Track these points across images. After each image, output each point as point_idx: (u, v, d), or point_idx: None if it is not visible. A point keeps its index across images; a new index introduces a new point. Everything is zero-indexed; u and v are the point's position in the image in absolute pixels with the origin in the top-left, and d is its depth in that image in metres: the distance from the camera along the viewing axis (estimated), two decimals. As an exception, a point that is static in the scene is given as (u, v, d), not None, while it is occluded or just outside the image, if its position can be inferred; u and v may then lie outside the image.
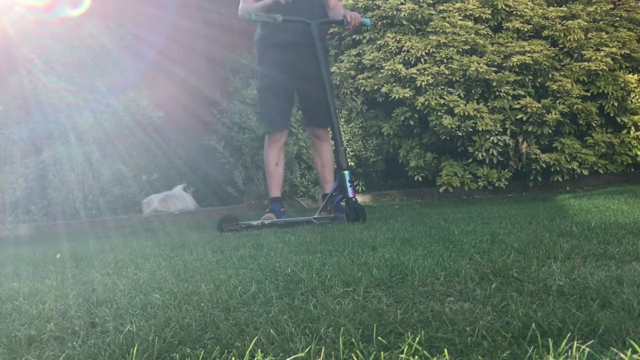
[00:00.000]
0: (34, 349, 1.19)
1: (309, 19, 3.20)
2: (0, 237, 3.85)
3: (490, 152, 4.39)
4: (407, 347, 1.00)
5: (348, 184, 3.02)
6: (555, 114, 4.41)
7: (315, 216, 3.11)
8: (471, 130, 4.35)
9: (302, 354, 1.02)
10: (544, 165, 4.39)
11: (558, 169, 4.40)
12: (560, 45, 4.83)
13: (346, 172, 3.04)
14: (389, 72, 4.58)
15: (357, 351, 1.01)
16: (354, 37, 5.13)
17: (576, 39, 4.77)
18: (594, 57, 4.67)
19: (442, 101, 4.40)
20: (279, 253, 2.06)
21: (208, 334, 1.18)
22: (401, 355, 0.98)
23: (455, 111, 4.35)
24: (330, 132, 3.36)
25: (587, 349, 0.93)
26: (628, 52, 4.82)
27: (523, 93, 4.53)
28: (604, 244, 1.78)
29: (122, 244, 2.86)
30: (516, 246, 1.81)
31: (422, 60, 4.61)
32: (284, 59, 3.30)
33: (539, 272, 1.46)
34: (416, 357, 0.97)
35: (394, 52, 4.75)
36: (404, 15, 4.81)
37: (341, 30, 5.27)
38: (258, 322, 1.21)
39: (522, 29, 4.84)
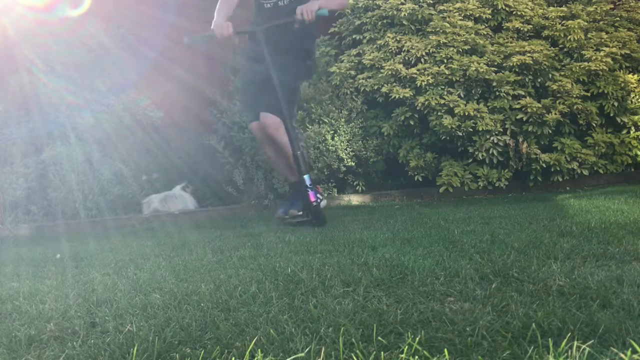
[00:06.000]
0: (34, 349, 1.19)
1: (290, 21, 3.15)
2: (0, 237, 3.84)
3: (491, 152, 4.39)
4: (407, 347, 1.00)
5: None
6: (555, 114, 4.41)
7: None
8: (471, 130, 4.34)
9: (302, 354, 1.02)
10: (544, 165, 4.39)
11: (558, 169, 4.40)
12: (560, 45, 4.83)
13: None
14: (389, 72, 4.58)
15: (357, 351, 1.01)
16: (354, 37, 5.13)
17: (576, 39, 4.77)
18: (594, 57, 4.67)
19: (442, 101, 4.40)
20: (279, 253, 2.06)
21: (208, 334, 1.18)
22: (401, 355, 0.98)
23: (456, 111, 4.35)
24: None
25: (587, 349, 0.93)
26: (628, 52, 4.82)
27: (523, 93, 4.52)
28: (604, 244, 1.78)
29: (122, 244, 2.85)
30: (516, 246, 1.81)
31: (422, 60, 4.61)
32: (258, 70, 3.25)
33: (539, 272, 1.46)
34: (416, 357, 0.97)
35: (394, 52, 4.75)
36: (404, 15, 4.81)
37: (342, 29, 5.27)
38: (258, 322, 1.21)
39: (522, 29, 4.84)
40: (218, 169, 5.00)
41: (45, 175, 4.45)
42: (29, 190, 4.39)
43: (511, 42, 4.74)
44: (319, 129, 4.67)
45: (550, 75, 4.60)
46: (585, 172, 4.47)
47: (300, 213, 3.19)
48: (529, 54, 4.53)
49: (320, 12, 3.18)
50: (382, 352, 1.00)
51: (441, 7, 4.93)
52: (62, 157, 4.47)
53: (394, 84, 4.58)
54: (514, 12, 4.93)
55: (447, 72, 4.48)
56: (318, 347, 1.04)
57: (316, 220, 3.00)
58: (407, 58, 4.67)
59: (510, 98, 4.49)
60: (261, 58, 3.20)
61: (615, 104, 4.63)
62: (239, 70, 3.50)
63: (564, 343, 0.96)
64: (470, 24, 4.78)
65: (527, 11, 4.93)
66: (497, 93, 4.50)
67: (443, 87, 4.49)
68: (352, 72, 4.89)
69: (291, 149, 3.09)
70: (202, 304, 1.38)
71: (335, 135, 4.73)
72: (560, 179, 4.46)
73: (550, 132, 4.47)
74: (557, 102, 4.52)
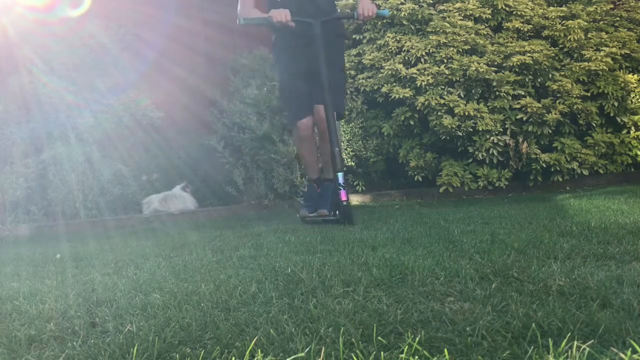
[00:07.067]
0: (34, 349, 1.19)
1: (315, 13, 3.06)
2: (0, 237, 3.84)
3: (491, 152, 4.39)
4: (407, 347, 1.00)
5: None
6: (555, 114, 4.42)
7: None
8: (471, 130, 4.34)
9: (302, 354, 1.02)
10: (544, 165, 4.39)
11: (558, 169, 4.40)
12: (560, 45, 4.83)
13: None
14: (389, 72, 4.58)
15: (357, 351, 1.01)
16: (354, 37, 5.13)
17: (576, 39, 4.77)
18: (594, 57, 4.67)
19: (442, 101, 4.40)
20: (279, 253, 2.06)
21: (208, 334, 1.18)
22: (401, 355, 0.98)
23: (456, 111, 4.35)
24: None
25: (587, 349, 0.93)
26: (628, 52, 4.82)
27: (523, 93, 4.53)
28: (604, 244, 1.78)
29: (122, 244, 2.86)
30: (516, 246, 1.81)
31: (422, 60, 4.61)
32: (301, 54, 3.14)
33: (539, 272, 1.46)
34: (416, 357, 0.97)
35: (394, 52, 4.75)
36: (404, 15, 4.81)
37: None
38: (258, 322, 1.21)
39: (522, 29, 4.84)
40: (218, 169, 5.00)
41: (45, 175, 4.46)
42: (29, 190, 4.40)
43: (511, 42, 4.74)
44: (319, 129, 4.67)
45: (550, 75, 4.61)
46: (585, 172, 4.47)
47: (329, 213, 3.09)
48: (529, 54, 4.53)
49: (381, 12, 3.21)
50: (382, 352, 1.00)
51: (441, 7, 4.93)
52: (62, 157, 4.47)
53: (394, 84, 4.58)
54: (514, 12, 4.93)
55: (447, 72, 4.49)
56: (318, 347, 1.04)
57: (346, 220, 2.91)
58: (407, 58, 4.67)
59: (510, 98, 4.49)
60: (302, 49, 3.12)
61: (615, 104, 4.63)
62: (273, 65, 3.32)
63: (564, 343, 0.96)
64: (470, 24, 4.78)
65: (527, 11, 4.93)
66: (497, 93, 4.50)
67: (443, 87, 4.49)
68: (352, 72, 4.89)
69: (331, 145, 2.98)
70: (202, 304, 1.38)
71: (335, 135, 4.73)
72: (560, 179, 4.46)
73: (550, 132, 4.47)
74: (557, 102, 4.52)
